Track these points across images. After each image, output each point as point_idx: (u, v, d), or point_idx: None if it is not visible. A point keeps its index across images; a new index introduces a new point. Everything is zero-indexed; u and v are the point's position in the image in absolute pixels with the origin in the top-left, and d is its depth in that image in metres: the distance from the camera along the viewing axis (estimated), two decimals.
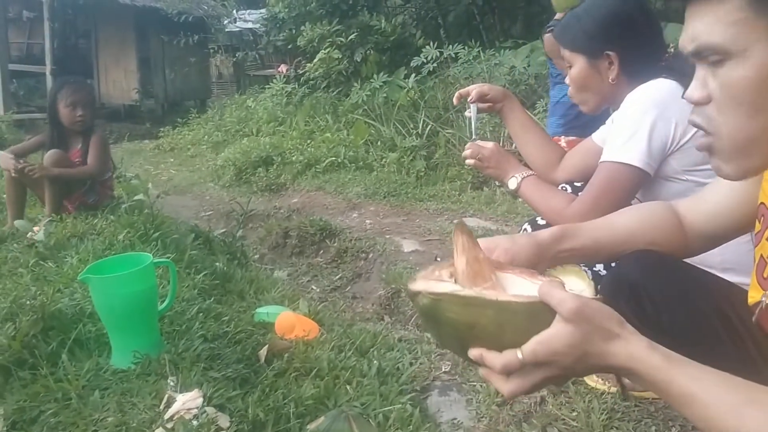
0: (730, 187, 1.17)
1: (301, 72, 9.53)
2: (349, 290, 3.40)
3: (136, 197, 3.69)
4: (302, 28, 8.97)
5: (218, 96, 14.92)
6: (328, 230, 4.21)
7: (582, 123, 3.75)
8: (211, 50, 14.79)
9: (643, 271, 1.23)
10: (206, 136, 9.70)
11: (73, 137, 4.08)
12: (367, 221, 4.74)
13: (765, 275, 0.97)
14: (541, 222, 1.99)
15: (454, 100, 2.26)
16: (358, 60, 8.58)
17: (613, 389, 1.93)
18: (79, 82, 4.29)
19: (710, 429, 0.78)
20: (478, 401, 2.00)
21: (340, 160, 6.62)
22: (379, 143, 6.88)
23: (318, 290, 3.40)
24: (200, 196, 6.47)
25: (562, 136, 4.05)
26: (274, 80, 10.10)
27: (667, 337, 1.12)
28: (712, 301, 1.22)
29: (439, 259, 3.74)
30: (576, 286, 1.00)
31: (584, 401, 1.91)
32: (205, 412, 1.65)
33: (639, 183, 1.69)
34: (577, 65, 1.88)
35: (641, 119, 1.66)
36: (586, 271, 1.12)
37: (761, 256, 1.01)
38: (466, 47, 7.34)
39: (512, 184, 1.94)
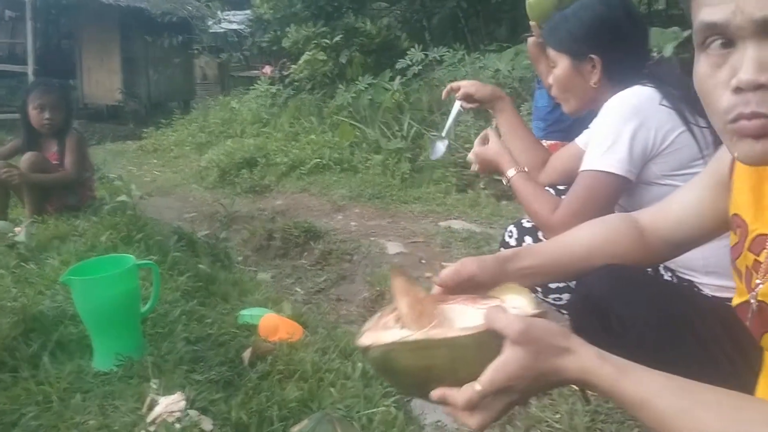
0: (696, 194, 1.18)
1: (285, 73, 9.52)
2: (334, 292, 3.39)
3: (118, 198, 3.67)
4: (287, 29, 8.97)
5: (202, 97, 14.80)
6: (313, 232, 4.20)
7: (564, 127, 3.77)
8: (196, 51, 14.69)
9: (608, 286, 1.24)
10: (190, 137, 9.63)
11: (47, 139, 4.02)
12: (352, 223, 4.74)
13: (753, 286, 0.96)
14: (526, 225, 2.00)
15: (444, 94, 2.26)
16: (344, 62, 8.59)
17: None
18: (49, 84, 4.19)
19: None
20: None
21: (324, 162, 6.62)
22: (364, 145, 6.88)
23: (302, 292, 3.39)
24: (184, 197, 6.43)
25: (543, 140, 4.07)
26: (259, 81, 10.08)
27: (636, 351, 1.13)
28: (678, 310, 1.23)
29: (423, 261, 3.75)
30: (517, 302, 1.01)
31: (568, 403, 1.92)
32: (188, 415, 1.64)
33: (620, 190, 1.70)
34: (560, 65, 1.89)
35: (622, 127, 1.67)
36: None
37: (746, 266, 0.99)
38: (451, 50, 7.37)
39: (510, 173, 1.91)
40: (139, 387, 1.82)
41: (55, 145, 4.01)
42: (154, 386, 1.77)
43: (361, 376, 2.04)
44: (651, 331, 1.21)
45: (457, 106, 2.21)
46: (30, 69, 12.26)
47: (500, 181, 1.96)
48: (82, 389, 1.84)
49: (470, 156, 2.07)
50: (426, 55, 7.44)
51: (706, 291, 1.63)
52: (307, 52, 8.48)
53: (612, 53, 1.80)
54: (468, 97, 2.19)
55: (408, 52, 7.67)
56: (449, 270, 1.14)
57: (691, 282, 1.67)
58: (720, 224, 1.09)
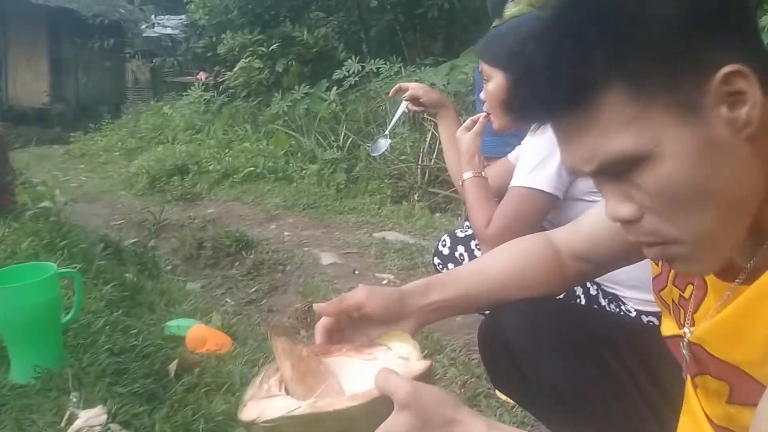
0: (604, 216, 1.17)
1: (220, 80, 9.40)
2: (265, 303, 3.35)
3: (41, 204, 3.54)
4: (223, 36, 8.87)
5: (134, 102, 14.47)
6: (245, 242, 4.15)
7: (500, 141, 3.83)
8: (128, 55, 14.36)
9: (516, 329, 1.22)
10: (120, 143, 9.43)
11: None
12: (286, 233, 4.70)
13: (683, 321, 0.94)
14: (459, 234, 2.02)
15: (391, 92, 2.26)
16: (280, 70, 8.54)
17: None
18: None
19: None
20: None
21: (258, 171, 6.57)
22: (299, 155, 6.86)
23: (232, 303, 3.34)
24: (111, 204, 6.27)
25: (489, 155, 4.12)
26: (193, 87, 9.93)
27: (548, 396, 1.14)
28: (589, 350, 1.22)
29: (357, 272, 3.74)
30: (402, 350, 1.00)
31: (495, 415, 1.94)
32: (109, 429, 1.59)
33: (549, 207, 1.73)
34: (494, 80, 1.91)
35: (551, 144, 1.70)
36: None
37: (673, 300, 0.97)
38: (387, 62, 7.42)
39: (466, 174, 1.91)
40: (58, 400, 1.75)
41: None
42: (74, 399, 1.70)
43: None
44: (561, 380, 1.19)
45: (402, 106, 2.21)
46: None
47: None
48: None
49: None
50: (363, 67, 7.46)
51: (631, 305, 1.68)
52: (243, 60, 8.40)
53: None
54: (415, 100, 2.20)
55: (345, 63, 7.68)
56: (336, 298, 1.11)
57: (615, 296, 1.71)
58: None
